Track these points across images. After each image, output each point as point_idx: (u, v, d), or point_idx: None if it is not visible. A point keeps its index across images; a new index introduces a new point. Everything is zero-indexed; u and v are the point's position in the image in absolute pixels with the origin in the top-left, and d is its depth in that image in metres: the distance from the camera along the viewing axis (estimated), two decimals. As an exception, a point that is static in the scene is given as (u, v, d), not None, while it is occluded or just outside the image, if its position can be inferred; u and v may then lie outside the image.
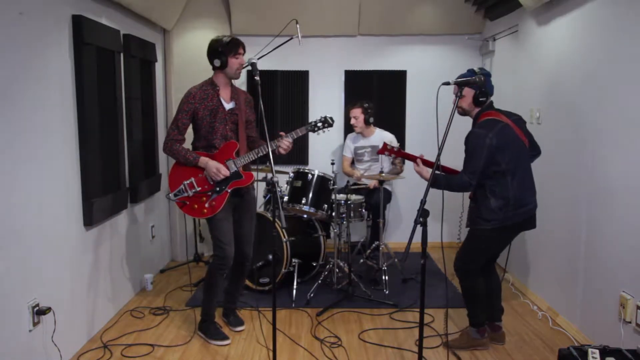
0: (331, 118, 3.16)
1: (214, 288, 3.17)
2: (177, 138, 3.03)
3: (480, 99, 2.85)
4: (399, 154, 3.06)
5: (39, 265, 2.62)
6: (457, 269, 3.01)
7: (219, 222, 3.07)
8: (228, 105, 3.10)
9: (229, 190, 3.07)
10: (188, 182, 3.05)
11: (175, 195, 3.08)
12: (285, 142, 3.07)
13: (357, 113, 4.52)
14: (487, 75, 2.88)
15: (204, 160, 3.01)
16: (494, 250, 3.05)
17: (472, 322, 3.08)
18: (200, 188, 3.04)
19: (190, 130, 3.09)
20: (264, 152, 3.04)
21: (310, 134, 5.19)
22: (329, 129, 3.17)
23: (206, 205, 3.05)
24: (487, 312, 3.18)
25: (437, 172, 2.64)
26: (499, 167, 2.80)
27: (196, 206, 3.06)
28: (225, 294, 3.43)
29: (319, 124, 3.15)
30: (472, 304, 3.05)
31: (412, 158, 2.98)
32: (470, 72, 2.86)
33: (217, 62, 3.01)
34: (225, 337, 3.17)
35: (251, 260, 3.32)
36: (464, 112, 2.96)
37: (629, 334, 2.70)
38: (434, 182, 2.71)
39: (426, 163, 2.93)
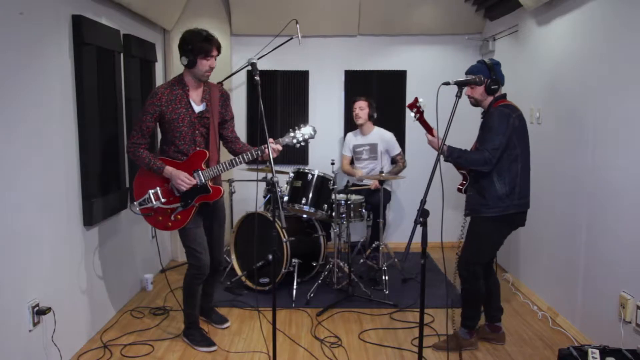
0: (312, 128, 2.89)
1: (194, 298, 3.06)
2: (140, 142, 2.83)
3: (492, 87, 2.87)
4: (422, 119, 2.97)
5: (39, 265, 2.62)
6: (463, 270, 2.98)
7: (190, 231, 2.92)
8: (198, 108, 2.89)
9: (196, 205, 2.90)
10: (153, 191, 2.86)
11: (140, 204, 2.85)
12: (271, 147, 2.74)
13: (363, 104, 4.54)
14: (497, 64, 2.91)
15: (168, 171, 2.81)
16: (494, 242, 3.02)
17: (465, 324, 3.07)
18: (165, 200, 2.86)
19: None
20: (237, 164, 2.87)
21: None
22: (310, 139, 2.91)
23: (171, 218, 2.87)
24: (485, 313, 3.18)
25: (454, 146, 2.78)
26: (514, 150, 2.81)
27: (161, 218, 2.89)
28: (201, 295, 3.27)
29: (298, 136, 2.86)
30: (469, 307, 3.04)
31: (429, 129, 2.96)
32: (481, 62, 2.90)
33: (183, 61, 2.77)
34: (212, 343, 3.07)
35: (224, 264, 3.22)
36: (476, 103, 2.98)
37: (629, 334, 2.70)
38: (451, 154, 2.80)
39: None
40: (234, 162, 2.87)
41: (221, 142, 3.15)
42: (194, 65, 2.79)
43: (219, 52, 2.84)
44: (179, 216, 2.89)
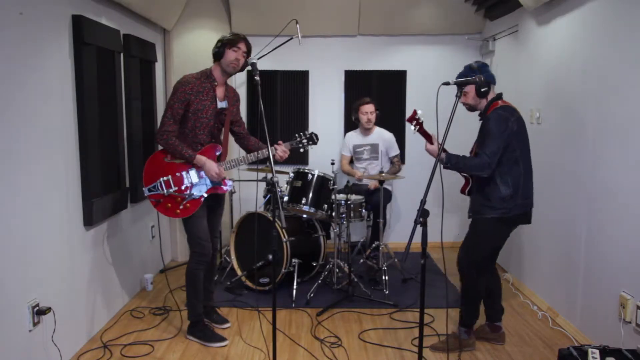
0: (316, 136, 3.19)
1: (197, 285, 3.14)
2: (172, 129, 2.94)
3: (483, 90, 2.86)
4: (422, 130, 3.01)
5: (39, 265, 2.62)
6: (464, 266, 2.98)
7: (196, 220, 3.03)
8: (220, 104, 3.08)
9: (206, 195, 3.03)
10: (165, 179, 2.99)
11: (149, 190, 2.99)
12: (282, 149, 3.06)
13: (372, 108, 4.55)
14: (484, 65, 2.91)
15: (201, 160, 2.96)
16: (496, 243, 3.02)
17: (463, 323, 3.07)
18: (176, 188, 2.98)
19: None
20: (248, 162, 3.09)
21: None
22: (313, 145, 3.20)
23: (180, 206, 2.99)
24: (486, 313, 3.18)
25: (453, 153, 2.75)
26: (513, 152, 2.81)
27: (169, 205, 3.00)
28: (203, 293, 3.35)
29: (304, 141, 3.17)
30: (468, 305, 3.04)
31: (429, 138, 2.97)
32: (466, 68, 2.90)
33: (214, 50, 3.00)
34: (223, 338, 3.14)
35: (218, 252, 3.32)
36: (471, 108, 2.98)
37: (629, 334, 2.70)
38: (449, 160, 2.79)
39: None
40: (246, 158, 3.09)
41: (234, 139, 3.31)
42: (222, 56, 2.97)
43: (247, 48, 3.01)
44: (188, 204, 3.00)
